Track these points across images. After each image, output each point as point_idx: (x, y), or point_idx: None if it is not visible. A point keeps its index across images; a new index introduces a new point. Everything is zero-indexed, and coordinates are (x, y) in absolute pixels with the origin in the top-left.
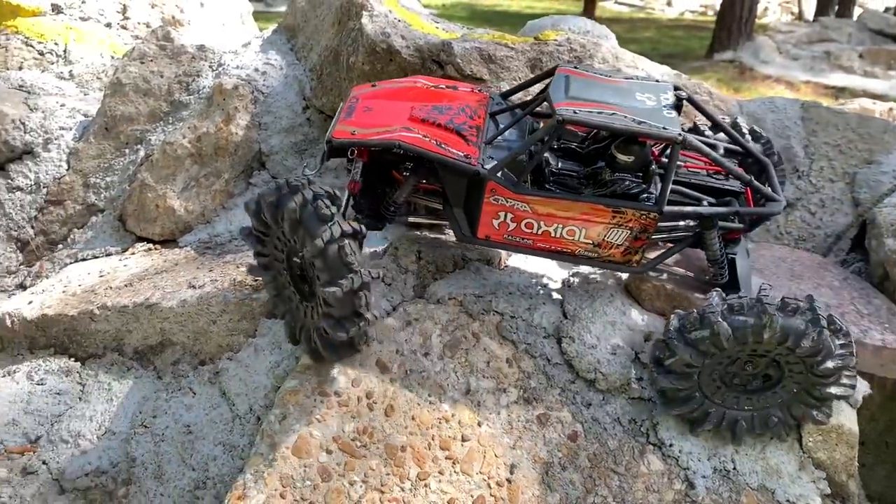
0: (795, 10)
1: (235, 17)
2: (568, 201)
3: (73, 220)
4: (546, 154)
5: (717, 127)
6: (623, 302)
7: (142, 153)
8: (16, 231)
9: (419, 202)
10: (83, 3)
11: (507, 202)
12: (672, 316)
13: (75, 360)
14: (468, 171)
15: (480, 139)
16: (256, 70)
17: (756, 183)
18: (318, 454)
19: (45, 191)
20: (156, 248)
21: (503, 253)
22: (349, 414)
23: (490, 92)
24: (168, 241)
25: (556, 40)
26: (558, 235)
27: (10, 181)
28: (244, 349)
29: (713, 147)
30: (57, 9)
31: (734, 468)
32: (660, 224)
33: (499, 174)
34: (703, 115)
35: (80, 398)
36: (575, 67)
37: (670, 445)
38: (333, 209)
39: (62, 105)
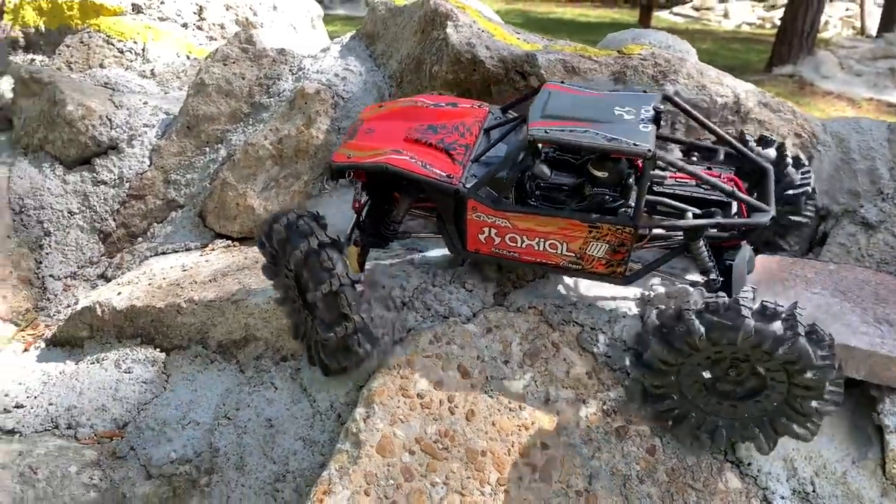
0: (858, 24)
1: (306, 21)
2: (545, 217)
3: (154, 214)
4: (540, 167)
5: (721, 140)
6: None
7: (222, 152)
8: (99, 223)
9: (420, 218)
10: (162, 3)
11: (489, 218)
12: (653, 311)
13: (161, 351)
14: (448, 190)
15: (468, 157)
16: (336, 75)
17: (739, 194)
18: (401, 454)
19: (127, 185)
20: (235, 245)
21: None
22: (431, 416)
23: (490, 107)
24: (246, 239)
25: (640, 54)
26: (541, 249)
27: (95, 175)
28: None
29: (702, 152)
30: (137, 8)
31: (814, 491)
32: (652, 234)
33: (479, 191)
34: (694, 122)
35: (164, 388)
36: (561, 83)
37: (748, 464)
38: (313, 225)
39: (145, 103)
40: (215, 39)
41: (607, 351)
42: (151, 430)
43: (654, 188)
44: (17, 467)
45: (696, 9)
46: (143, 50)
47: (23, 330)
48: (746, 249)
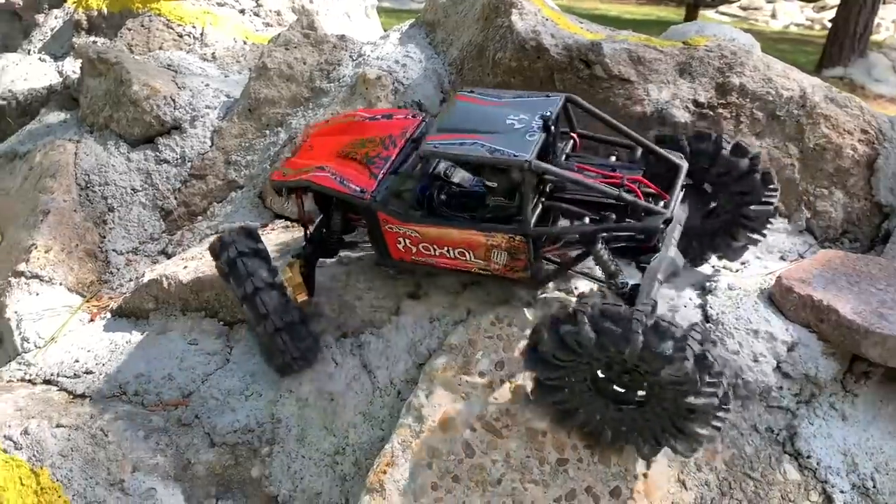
0: None
1: (360, 10)
2: (445, 227)
3: (214, 194)
4: (455, 171)
5: (631, 139)
6: (767, 311)
7: (282, 135)
8: (161, 201)
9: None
10: None
11: (400, 229)
12: (558, 306)
13: (224, 325)
14: (360, 204)
15: (386, 170)
16: (396, 62)
17: (627, 197)
18: (462, 430)
19: (189, 165)
20: (293, 226)
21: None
22: (492, 395)
23: (426, 116)
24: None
25: (706, 46)
26: (453, 256)
27: (158, 153)
28: (386, 325)
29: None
30: None
31: (874, 486)
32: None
33: (388, 204)
34: (601, 122)
35: (227, 359)
36: (470, 92)
37: (808, 457)
38: (234, 236)
39: (206, 85)
40: (271, 26)
41: None
42: (215, 399)
43: (556, 194)
44: (89, 429)
45: (744, 8)
46: (202, 34)
47: (88, 301)
48: (667, 251)
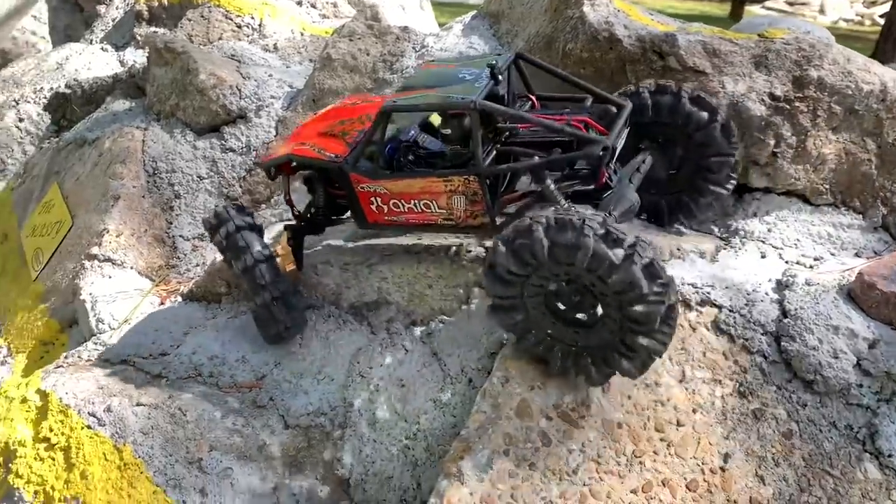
0: None
1: (415, 2)
2: (410, 178)
3: (277, 182)
4: (423, 137)
5: (580, 88)
6: (847, 307)
7: None
8: (226, 188)
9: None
10: None
11: (370, 188)
12: (516, 221)
13: None
14: (333, 167)
15: (359, 140)
16: (460, 53)
17: (569, 129)
18: (538, 419)
19: (254, 153)
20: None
21: (711, 247)
22: (568, 385)
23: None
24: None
25: (783, 38)
26: (419, 210)
27: (223, 142)
28: (457, 314)
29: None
30: None
31: None
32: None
33: (358, 165)
34: (549, 73)
35: (300, 344)
36: (432, 61)
37: (889, 456)
38: (232, 213)
39: (270, 75)
40: (328, 17)
41: (745, 333)
42: (288, 382)
43: (509, 140)
44: (168, 409)
45: (791, 3)
46: (260, 25)
47: (157, 285)
48: (620, 188)
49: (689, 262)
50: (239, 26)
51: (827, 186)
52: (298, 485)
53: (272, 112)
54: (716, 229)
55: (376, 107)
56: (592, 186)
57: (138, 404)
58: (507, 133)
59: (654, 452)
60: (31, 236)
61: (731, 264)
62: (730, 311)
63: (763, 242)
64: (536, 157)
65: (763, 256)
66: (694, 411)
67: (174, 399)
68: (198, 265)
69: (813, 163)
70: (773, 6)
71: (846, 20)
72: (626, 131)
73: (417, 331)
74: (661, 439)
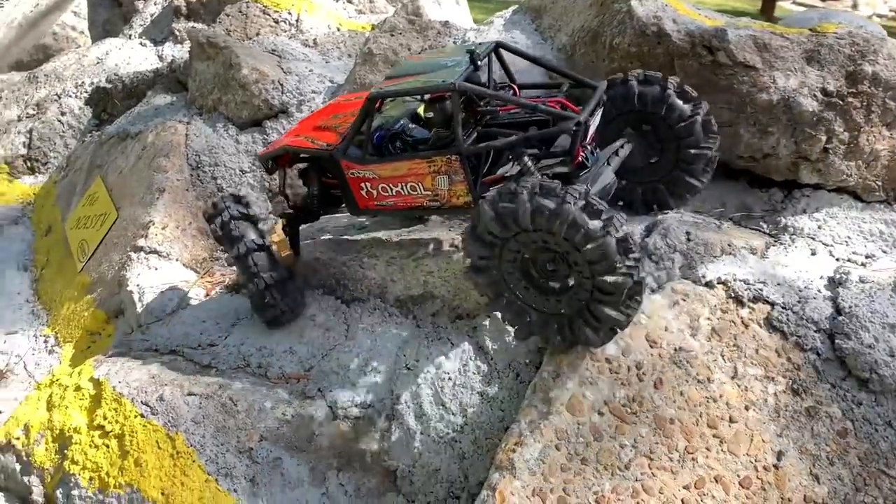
0: None
1: None
2: (394, 162)
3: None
4: (410, 126)
5: (559, 74)
6: None
7: None
8: (267, 182)
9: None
10: None
11: (360, 173)
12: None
13: (342, 302)
14: (324, 156)
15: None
16: None
17: (543, 106)
18: (590, 414)
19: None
20: None
21: (761, 243)
22: (619, 381)
23: None
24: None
25: (836, 33)
26: (406, 192)
27: (265, 136)
28: None
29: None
30: None
31: None
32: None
33: (348, 152)
34: (528, 60)
35: (345, 336)
36: (418, 53)
37: None
38: (228, 203)
39: (310, 70)
40: (364, 13)
41: (798, 331)
42: (336, 373)
43: (489, 122)
44: (219, 398)
45: None
46: (297, 20)
47: (202, 277)
48: (596, 167)
49: (741, 259)
50: (276, 21)
51: (879, 183)
52: (346, 475)
53: (313, 107)
54: (764, 226)
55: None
56: (569, 167)
57: (189, 394)
58: (488, 116)
59: (707, 449)
60: (76, 228)
61: (782, 261)
62: (782, 307)
63: (813, 239)
64: (514, 136)
65: (813, 253)
66: (746, 408)
67: (224, 389)
68: None
69: (865, 159)
70: (805, 1)
71: (879, 16)
72: (600, 111)
73: (463, 325)
74: (714, 436)
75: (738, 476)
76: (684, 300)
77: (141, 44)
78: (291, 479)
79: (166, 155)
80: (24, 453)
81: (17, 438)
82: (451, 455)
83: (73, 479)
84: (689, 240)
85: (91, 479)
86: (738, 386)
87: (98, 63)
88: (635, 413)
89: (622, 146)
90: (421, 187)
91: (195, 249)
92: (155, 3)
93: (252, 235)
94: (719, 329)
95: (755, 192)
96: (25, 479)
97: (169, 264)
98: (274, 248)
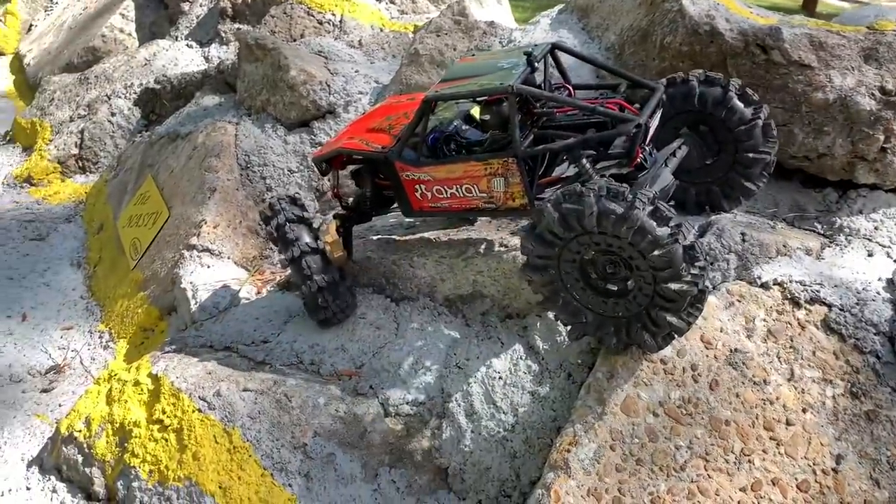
0: None
1: None
2: (452, 163)
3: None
4: (465, 128)
5: (617, 74)
6: None
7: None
8: (315, 182)
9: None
10: None
11: (415, 175)
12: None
13: (391, 300)
14: (379, 157)
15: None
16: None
17: (602, 108)
18: (645, 415)
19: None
20: None
21: (816, 244)
22: (674, 382)
23: None
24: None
25: (894, 31)
26: (461, 195)
27: (313, 137)
28: None
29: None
30: None
31: None
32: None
33: (403, 154)
34: (585, 62)
35: (396, 334)
36: (471, 55)
37: None
38: (284, 205)
39: (356, 71)
40: (406, 13)
41: (856, 333)
42: (387, 371)
43: (546, 124)
44: (274, 394)
45: None
46: (341, 21)
47: (252, 275)
48: (655, 168)
49: (797, 260)
50: (320, 22)
51: None
52: (398, 472)
53: (360, 107)
54: (819, 226)
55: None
56: (627, 169)
57: (245, 390)
58: (545, 118)
59: (764, 451)
60: (128, 227)
61: (838, 262)
62: (840, 309)
63: (869, 240)
64: (571, 138)
65: (870, 255)
66: (804, 411)
67: (279, 385)
68: None
69: None
70: None
71: None
72: (660, 112)
73: (513, 324)
74: (771, 438)
75: (796, 479)
76: (740, 301)
77: (187, 45)
78: (344, 474)
79: (217, 155)
80: (85, 445)
81: (79, 431)
82: (503, 454)
83: (133, 472)
84: (744, 240)
85: (150, 471)
86: (795, 388)
87: (146, 64)
88: (690, 414)
89: (679, 147)
90: (476, 189)
91: (246, 248)
92: (200, 5)
93: (307, 238)
94: (775, 331)
95: (809, 191)
96: (87, 470)
97: (221, 262)
98: (327, 248)
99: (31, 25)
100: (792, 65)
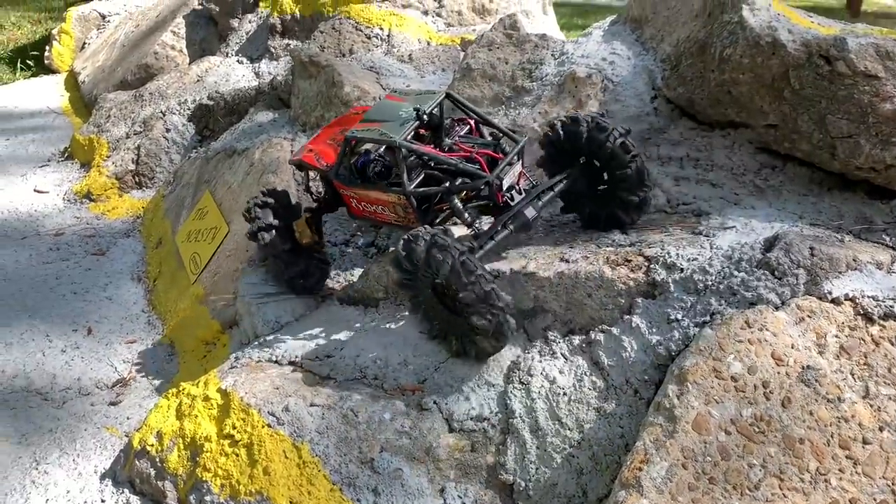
0: None
1: (538, 7)
2: (368, 189)
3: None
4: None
5: (490, 125)
6: None
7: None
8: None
9: None
10: None
11: (347, 192)
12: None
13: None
14: (323, 173)
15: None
16: (603, 59)
17: (461, 166)
18: (717, 433)
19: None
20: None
21: (887, 257)
22: (746, 399)
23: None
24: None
25: None
26: (380, 211)
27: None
28: (618, 324)
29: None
30: None
31: None
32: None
33: (339, 174)
34: (470, 113)
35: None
36: (394, 92)
37: None
38: (260, 199)
39: (408, 86)
40: (452, 26)
41: None
42: (450, 386)
43: (435, 166)
44: (340, 409)
45: None
46: (388, 36)
47: None
48: (517, 207)
49: (867, 274)
50: (368, 37)
51: None
52: (464, 487)
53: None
54: (887, 238)
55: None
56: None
57: (312, 405)
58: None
59: (840, 470)
60: (187, 241)
61: None
62: None
63: None
64: (445, 184)
65: None
66: (881, 429)
67: (345, 400)
68: (346, 269)
69: None
70: None
71: None
72: (519, 164)
73: (576, 339)
74: (847, 457)
75: (875, 500)
76: (810, 317)
77: (238, 61)
78: (412, 489)
79: (274, 171)
80: (158, 459)
81: (152, 445)
82: (569, 470)
83: (205, 486)
84: (812, 255)
85: (222, 486)
86: (871, 406)
87: (198, 81)
88: (763, 432)
89: (560, 181)
90: (388, 210)
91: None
92: (250, 22)
93: (269, 218)
94: (848, 347)
95: (875, 203)
96: (160, 483)
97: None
98: (297, 233)
99: (84, 43)
100: (858, 75)
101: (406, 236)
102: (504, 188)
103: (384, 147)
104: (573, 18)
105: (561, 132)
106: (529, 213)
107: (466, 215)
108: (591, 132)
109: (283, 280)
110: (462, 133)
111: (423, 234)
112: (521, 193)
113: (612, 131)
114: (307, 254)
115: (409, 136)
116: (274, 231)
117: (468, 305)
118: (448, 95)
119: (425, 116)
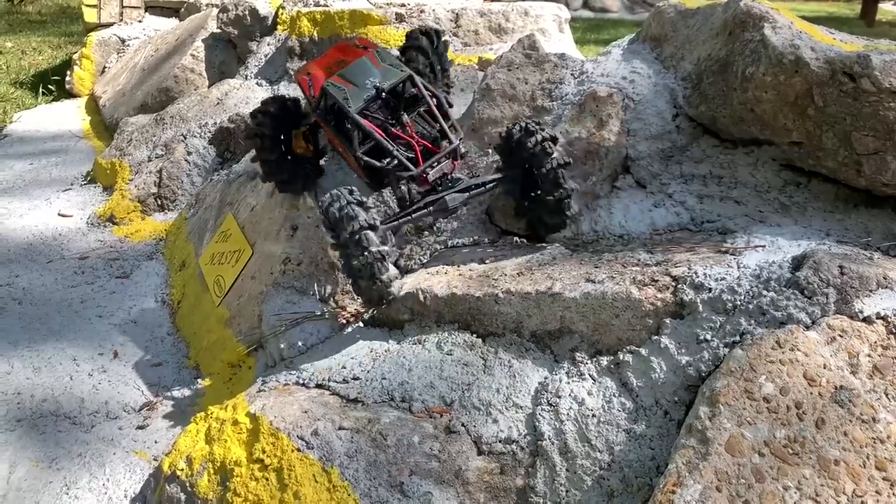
0: None
1: (554, 26)
2: (331, 132)
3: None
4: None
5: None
6: None
7: None
8: (391, 214)
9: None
10: (421, 12)
11: (324, 127)
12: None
13: (477, 336)
14: (310, 101)
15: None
16: (624, 78)
17: (395, 152)
18: (750, 455)
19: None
20: (521, 241)
21: None
22: (779, 421)
23: (378, 49)
24: (530, 237)
25: None
26: (345, 156)
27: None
28: (647, 345)
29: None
30: (400, 17)
31: None
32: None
33: (317, 108)
34: (421, 92)
35: (483, 370)
36: (377, 53)
37: None
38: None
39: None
40: (469, 45)
41: None
42: (477, 409)
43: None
44: (369, 433)
45: None
46: None
47: (337, 310)
48: (441, 193)
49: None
50: None
51: None
52: None
53: None
54: None
55: (359, 54)
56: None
57: (341, 428)
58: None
59: (877, 492)
60: (210, 264)
61: None
62: None
63: None
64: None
65: None
66: None
67: (373, 424)
68: None
69: None
70: None
71: None
72: (447, 162)
73: (604, 360)
74: (884, 479)
75: None
76: (842, 336)
77: (257, 83)
78: None
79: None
80: (188, 484)
81: (182, 470)
82: (600, 493)
83: None
84: (842, 273)
85: None
86: None
87: (218, 104)
88: (797, 454)
89: (493, 180)
90: (350, 160)
91: (328, 284)
92: (268, 45)
93: (268, 128)
94: (882, 366)
95: None
96: None
97: (306, 299)
98: (293, 140)
99: (104, 67)
100: (883, 92)
101: (326, 195)
102: (430, 180)
103: None
104: (586, 33)
105: (501, 138)
106: (451, 200)
107: (400, 188)
108: (521, 137)
109: (280, 181)
110: (421, 110)
111: (339, 197)
112: (451, 182)
113: (536, 134)
114: (298, 161)
115: (365, 108)
116: (268, 139)
117: (352, 273)
118: (410, 77)
119: (383, 94)
